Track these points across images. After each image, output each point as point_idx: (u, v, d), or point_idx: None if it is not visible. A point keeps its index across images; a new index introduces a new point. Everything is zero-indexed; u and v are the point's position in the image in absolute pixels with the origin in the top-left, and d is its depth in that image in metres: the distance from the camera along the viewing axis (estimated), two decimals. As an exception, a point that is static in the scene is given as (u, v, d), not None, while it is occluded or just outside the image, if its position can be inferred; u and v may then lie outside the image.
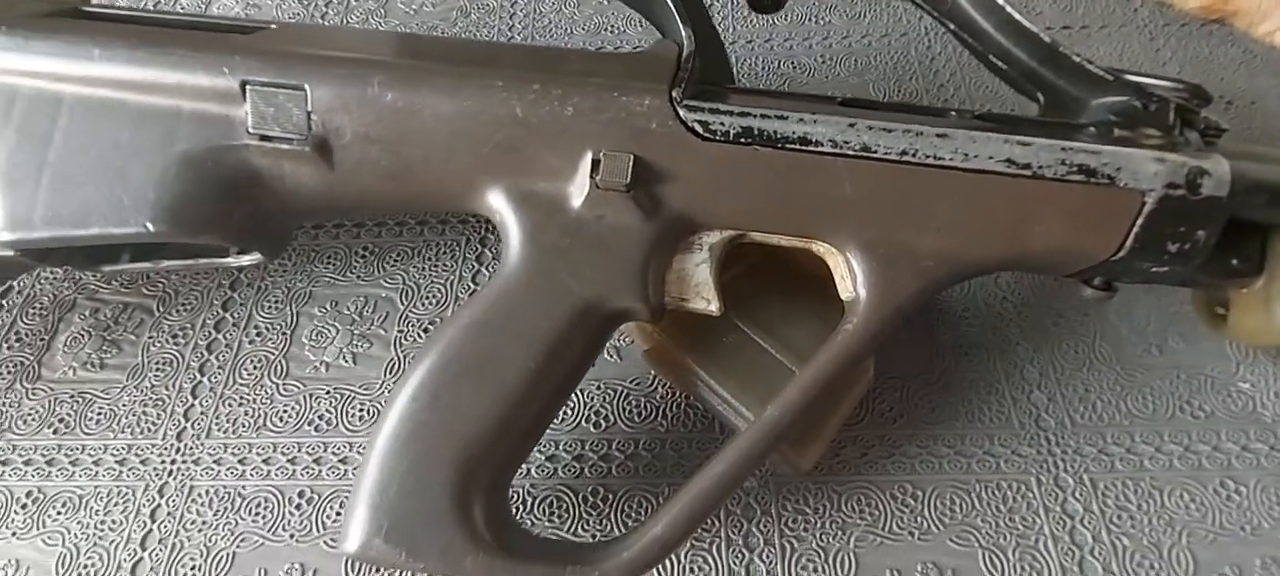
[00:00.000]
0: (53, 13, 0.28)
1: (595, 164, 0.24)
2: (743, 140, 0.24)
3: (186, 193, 0.26)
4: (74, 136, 0.26)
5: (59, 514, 0.29)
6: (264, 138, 0.26)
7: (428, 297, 0.34)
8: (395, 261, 0.35)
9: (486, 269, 0.35)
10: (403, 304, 0.34)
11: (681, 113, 0.24)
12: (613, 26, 0.43)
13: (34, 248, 0.27)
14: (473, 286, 0.34)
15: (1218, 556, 0.26)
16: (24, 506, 0.30)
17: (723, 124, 0.24)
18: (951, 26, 0.28)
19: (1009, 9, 0.26)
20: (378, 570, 0.28)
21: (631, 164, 0.24)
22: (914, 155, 0.23)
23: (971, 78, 0.39)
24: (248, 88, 0.25)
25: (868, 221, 0.24)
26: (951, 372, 0.30)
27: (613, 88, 0.24)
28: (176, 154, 0.26)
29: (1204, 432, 0.28)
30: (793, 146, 0.23)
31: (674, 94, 0.24)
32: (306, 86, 0.25)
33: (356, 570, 0.28)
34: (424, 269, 0.35)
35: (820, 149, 0.23)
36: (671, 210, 0.25)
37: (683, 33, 0.26)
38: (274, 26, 0.28)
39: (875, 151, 0.23)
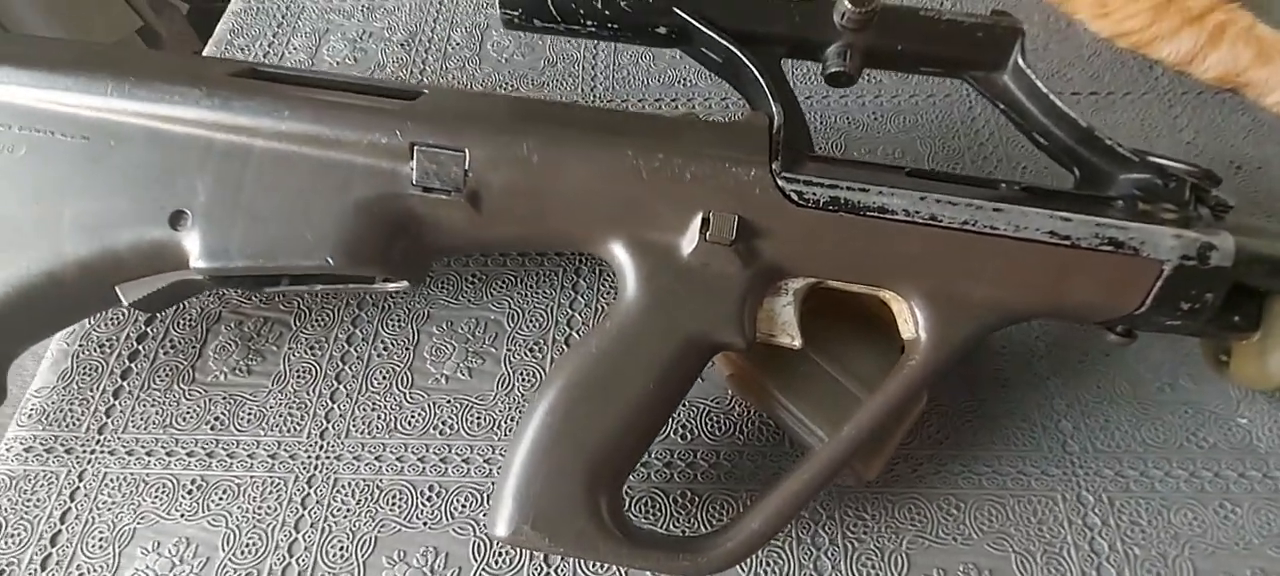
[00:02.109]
0: (237, 73, 0.34)
1: (705, 222, 0.29)
2: (831, 208, 0.29)
3: (359, 233, 0.31)
4: (263, 182, 0.31)
5: (220, 499, 0.34)
6: (426, 189, 0.31)
7: (531, 321, 0.39)
8: (501, 288, 0.40)
9: (581, 296, 0.40)
10: (509, 326, 0.39)
11: (780, 183, 0.29)
12: (685, 79, 0.49)
13: (227, 275, 0.33)
14: (570, 311, 0.39)
15: (1215, 566, 0.31)
16: (190, 492, 0.35)
17: (815, 194, 0.29)
18: (1001, 106, 0.33)
19: (1052, 97, 0.31)
20: (506, 555, 0.32)
21: (736, 223, 0.29)
22: (974, 225, 0.28)
23: (1009, 138, 0.44)
24: (416, 148, 0.30)
25: (930, 275, 0.29)
26: (991, 402, 0.35)
27: (724, 159, 0.29)
28: (352, 200, 0.31)
29: (1207, 460, 0.33)
30: (872, 214, 0.28)
31: (774, 166, 0.29)
32: (466, 149, 0.30)
33: (481, 554, 0.33)
34: (527, 294, 0.40)
35: (895, 217, 0.28)
36: (766, 260, 0.30)
37: (774, 107, 0.31)
38: (427, 91, 0.33)
39: (941, 220, 0.28)
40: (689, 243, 0.29)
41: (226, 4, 0.55)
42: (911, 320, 0.30)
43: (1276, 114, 0.42)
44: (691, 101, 0.47)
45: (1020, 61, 0.31)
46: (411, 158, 0.30)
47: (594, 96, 0.48)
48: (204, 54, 0.51)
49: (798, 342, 0.31)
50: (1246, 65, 0.42)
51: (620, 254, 0.30)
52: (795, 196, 0.29)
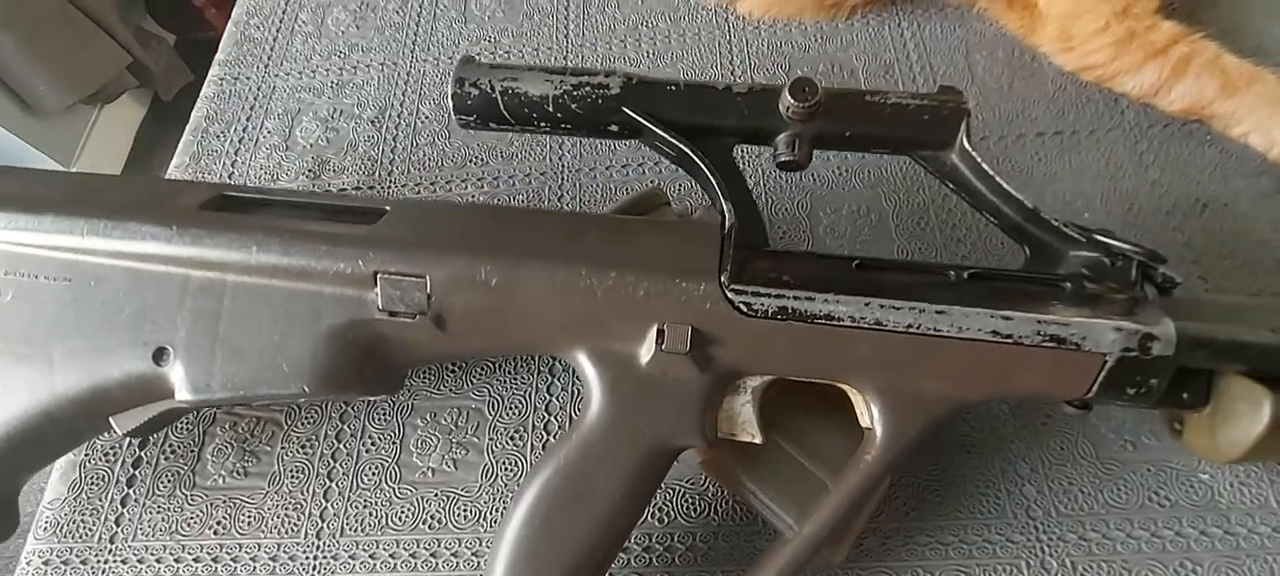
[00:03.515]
0: (206, 204, 0.35)
1: (660, 333, 0.30)
2: (779, 316, 0.29)
3: (332, 360, 0.32)
4: (238, 316, 0.33)
5: (228, 603, 0.37)
6: (392, 314, 0.32)
7: (511, 408, 0.40)
8: (480, 376, 0.42)
9: (558, 379, 0.41)
10: (490, 414, 0.40)
11: (729, 295, 0.29)
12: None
13: (210, 406, 0.34)
14: (547, 397, 0.40)
15: (1177, 626, 0.32)
16: (199, 598, 0.37)
17: (763, 304, 0.29)
18: (950, 185, 0.33)
19: (998, 178, 0.32)
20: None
21: (690, 334, 0.30)
22: (918, 328, 0.29)
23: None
24: (379, 276, 0.31)
25: (881, 372, 0.30)
26: (956, 469, 0.36)
27: (674, 274, 0.30)
28: (323, 328, 0.32)
29: (1168, 520, 0.34)
30: (820, 321, 0.29)
31: (722, 279, 0.30)
32: (427, 275, 0.31)
33: (473, 647, 0.35)
34: (505, 381, 0.41)
35: (842, 323, 0.29)
36: (722, 365, 0.31)
37: (725, 207, 0.32)
38: (390, 207, 0.34)
39: (886, 325, 0.29)
40: (647, 352, 0.30)
41: (209, 34, 0.56)
42: (867, 412, 0.31)
43: (1243, 144, 0.42)
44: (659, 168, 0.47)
45: (965, 143, 0.32)
46: (375, 285, 0.31)
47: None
48: (181, 143, 0.52)
49: (758, 439, 0.32)
50: (1212, 97, 0.41)
51: (584, 362, 0.32)
52: (744, 308, 0.29)
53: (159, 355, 0.33)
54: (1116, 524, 0.34)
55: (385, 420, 0.41)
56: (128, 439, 0.39)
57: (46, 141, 1.39)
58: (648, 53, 0.52)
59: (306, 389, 0.32)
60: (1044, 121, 0.45)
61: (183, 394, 0.33)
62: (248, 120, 0.53)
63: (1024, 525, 0.34)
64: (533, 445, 0.39)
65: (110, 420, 0.35)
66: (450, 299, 0.31)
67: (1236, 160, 0.42)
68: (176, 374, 0.33)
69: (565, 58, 0.52)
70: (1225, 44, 0.43)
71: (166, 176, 0.51)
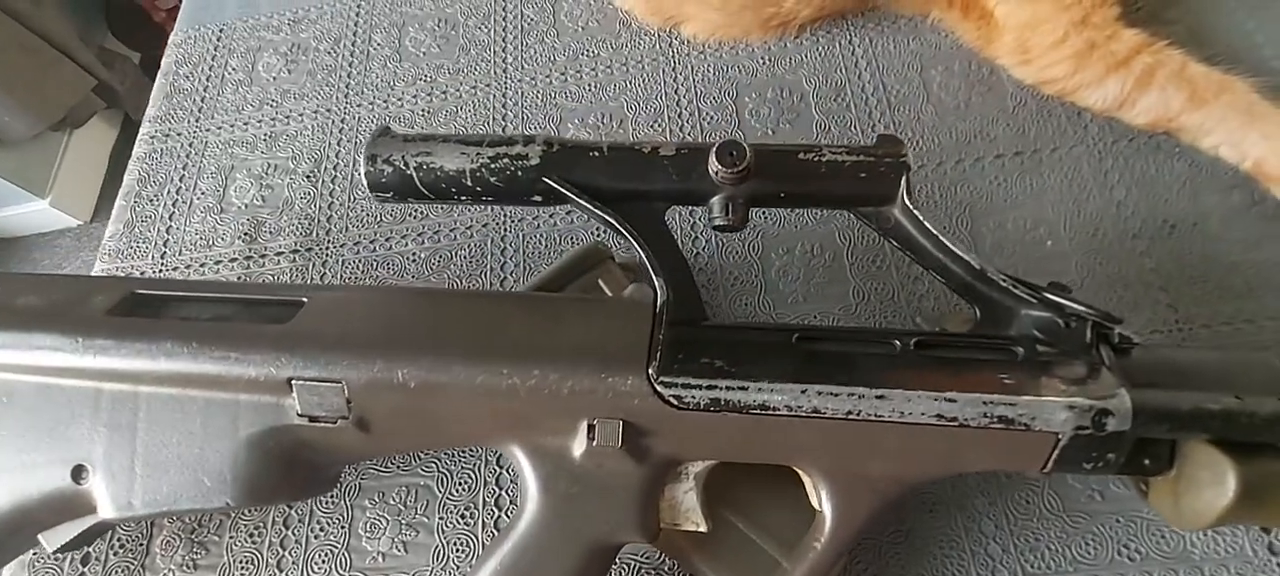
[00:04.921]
0: (114, 308, 0.33)
1: (591, 428, 0.28)
2: (712, 409, 0.28)
3: (255, 470, 0.31)
4: (154, 429, 0.31)
5: None
6: (312, 419, 0.30)
7: (461, 484, 0.39)
8: (428, 451, 0.40)
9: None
10: (440, 491, 0.39)
11: (659, 388, 0.28)
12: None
13: (136, 521, 0.33)
14: (498, 470, 0.39)
15: (1149, 686, 0.31)
16: (152, 701, 0.36)
17: (694, 397, 0.28)
18: (895, 243, 0.31)
19: (942, 238, 0.30)
20: None
21: (621, 429, 0.28)
22: (858, 414, 0.27)
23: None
24: (294, 383, 0.30)
25: (825, 457, 0.29)
26: (918, 531, 0.35)
27: (600, 369, 0.28)
28: (243, 438, 0.31)
29: (1139, 574, 0.33)
30: (755, 411, 0.28)
31: (650, 371, 0.28)
32: (343, 381, 0.29)
33: None
34: (454, 455, 0.40)
35: (778, 413, 0.27)
36: (659, 454, 0.29)
37: (657, 283, 0.30)
38: (307, 300, 0.32)
39: (824, 413, 0.27)
40: (579, 446, 0.29)
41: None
42: (815, 494, 0.30)
43: (1213, 157, 0.40)
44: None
45: (906, 199, 0.30)
46: (291, 391, 0.30)
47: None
48: (114, 210, 0.50)
49: (704, 527, 0.31)
50: (1179, 109, 0.39)
51: (518, 456, 0.30)
52: (675, 401, 0.28)
53: (77, 473, 0.32)
54: (1084, 581, 0.33)
55: (333, 502, 0.39)
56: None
57: (18, 172, 1.37)
58: (589, 84, 0.49)
59: (230, 502, 0.31)
60: (1003, 141, 0.43)
61: (106, 512, 0.32)
62: (181, 181, 0.51)
63: (989, 588, 0.33)
64: (484, 522, 0.38)
65: (39, 538, 0.34)
66: (370, 403, 0.30)
67: (1207, 174, 0.40)
68: (98, 490, 0.32)
69: (504, 94, 0.50)
70: (1192, 47, 0.40)
71: (100, 248, 0.49)
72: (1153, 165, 0.41)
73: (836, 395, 0.27)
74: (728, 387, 0.28)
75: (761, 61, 0.48)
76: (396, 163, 0.31)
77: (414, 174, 0.31)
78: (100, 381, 0.32)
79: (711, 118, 0.47)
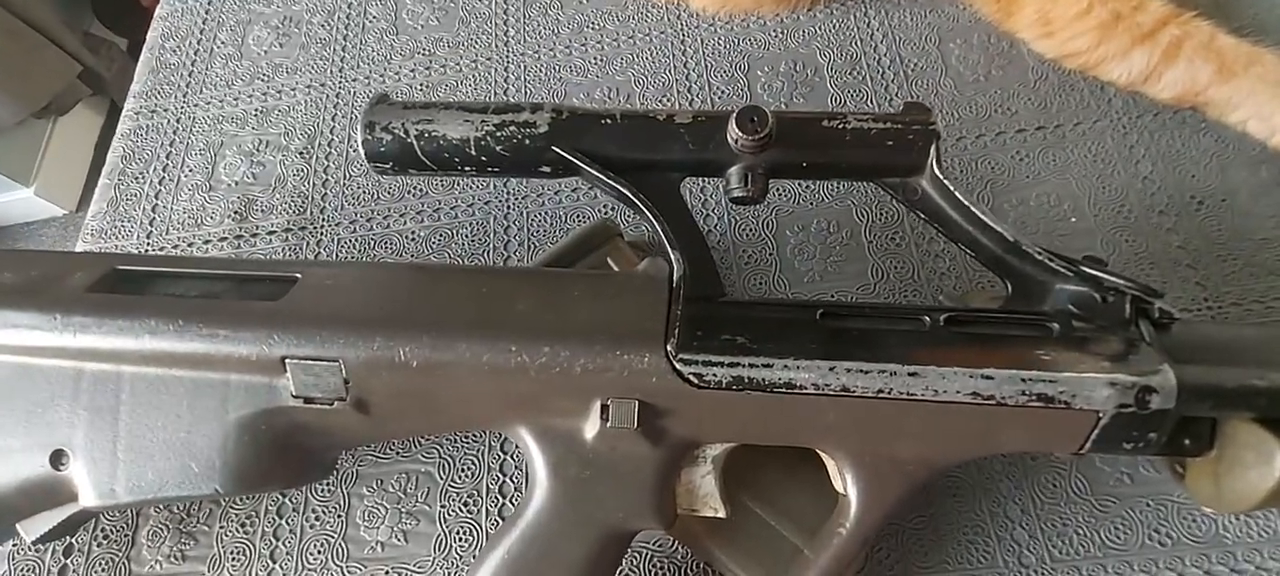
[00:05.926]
0: (95, 285, 0.31)
1: (604, 409, 0.27)
2: (734, 387, 0.26)
3: (245, 454, 0.29)
4: (138, 411, 0.29)
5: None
6: (307, 400, 0.29)
7: (463, 470, 0.37)
8: (430, 436, 0.38)
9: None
10: (441, 478, 0.37)
11: (678, 366, 0.26)
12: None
13: (119, 509, 0.31)
14: (502, 455, 0.37)
15: (1182, 675, 0.30)
16: (139, 697, 0.34)
17: (715, 375, 0.26)
18: (923, 215, 0.30)
19: (974, 208, 0.28)
20: None
21: (637, 409, 0.27)
22: (889, 393, 0.26)
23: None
24: (288, 362, 0.28)
25: (852, 438, 0.27)
26: (942, 515, 0.33)
27: (615, 345, 0.27)
28: (232, 421, 0.29)
29: (1170, 559, 0.31)
30: (780, 390, 0.26)
31: (669, 348, 0.26)
32: (340, 360, 0.28)
33: None
34: (456, 440, 0.38)
35: (805, 392, 0.26)
36: (676, 436, 0.28)
37: (673, 256, 0.28)
38: (301, 276, 0.31)
39: (854, 391, 0.26)
40: (591, 428, 0.27)
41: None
42: (840, 478, 0.28)
43: (1240, 132, 0.39)
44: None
45: (935, 169, 0.28)
46: (285, 371, 0.28)
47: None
48: (97, 189, 0.48)
49: (722, 513, 0.29)
50: (1207, 82, 0.38)
51: (526, 439, 0.29)
52: (696, 380, 0.26)
53: (56, 458, 0.30)
54: (1115, 566, 0.31)
55: (329, 490, 0.38)
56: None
57: (2, 160, 1.34)
58: (595, 57, 0.48)
59: (218, 489, 0.29)
60: (1025, 116, 0.41)
61: (87, 499, 0.30)
62: (168, 158, 0.49)
63: (1017, 573, 0.32)
64: (488, 510, 0.36)
65: (17, 527, 0.32)
66: (370, 383, 0.28)
67: (1234, 149, 0.39)
68: (79, 477, 0.30)
69: (505, 67, 0.48)
70: (1218, 18, 0.39)
71: (82, 227, 0.47)
72: (1179, 140, 0.39)
73: (867, 372, 0.26)
74: (751, 365, 0.26)
75: (773, 34, 0.46)
76: (396, 131, 0.29)
77: (415, 143, 0.29)
78: (81, 361, 0.30)
79: (722, 92, 0.45)
